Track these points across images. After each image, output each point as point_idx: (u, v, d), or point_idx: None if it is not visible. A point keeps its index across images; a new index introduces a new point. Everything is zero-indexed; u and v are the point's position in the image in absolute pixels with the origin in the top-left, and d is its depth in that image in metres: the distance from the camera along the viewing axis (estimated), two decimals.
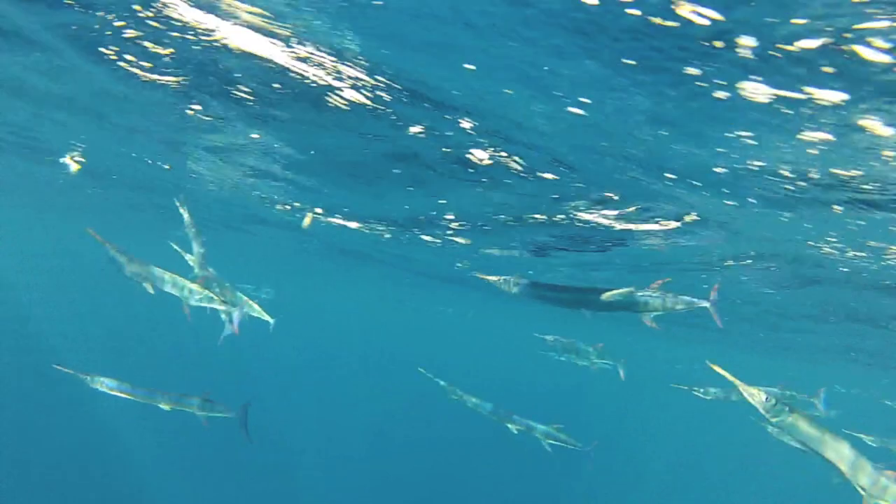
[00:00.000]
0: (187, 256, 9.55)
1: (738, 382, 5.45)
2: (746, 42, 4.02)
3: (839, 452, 5.38)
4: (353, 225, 16.13)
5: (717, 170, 6.85)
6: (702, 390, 12.31)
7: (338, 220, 16.06)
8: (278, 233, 21.78)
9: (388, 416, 47.87)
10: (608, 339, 14.41)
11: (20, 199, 26.88)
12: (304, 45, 6.13)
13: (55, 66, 8.55)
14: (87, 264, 42.43)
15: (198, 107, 9.04)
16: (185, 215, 9.51)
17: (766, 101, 4.80)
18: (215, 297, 8.43)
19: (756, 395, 5.43)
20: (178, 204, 9.66)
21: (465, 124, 7.42)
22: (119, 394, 9.42)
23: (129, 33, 6.75)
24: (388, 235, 16.47)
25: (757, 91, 4.68)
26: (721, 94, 4.89)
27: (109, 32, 6.84)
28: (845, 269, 10.56)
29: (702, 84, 4.78)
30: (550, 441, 12.38)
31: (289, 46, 6.22)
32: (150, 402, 9.62)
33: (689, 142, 6.19)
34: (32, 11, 6.78)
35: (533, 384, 62.34)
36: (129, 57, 7.51)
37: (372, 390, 54.33)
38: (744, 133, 5.58)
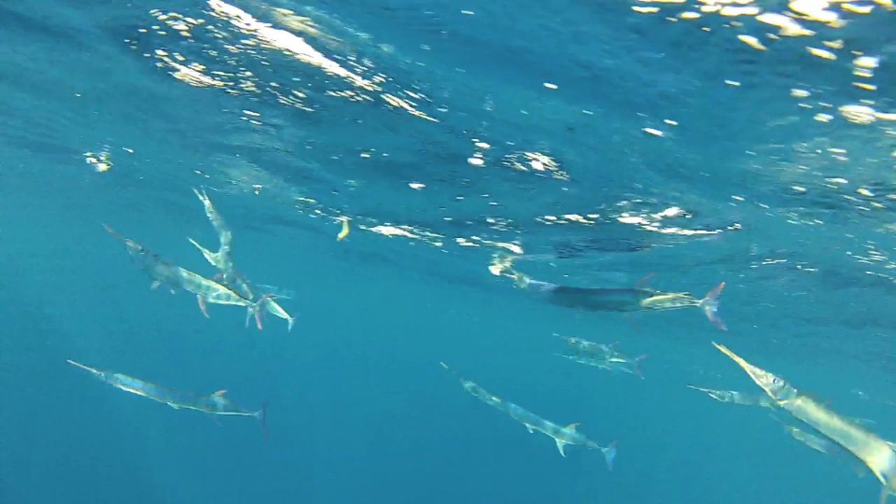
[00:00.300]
0: (206, 254, 9.52)
1: (744, 364, 5.29)
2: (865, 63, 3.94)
3: (851, 437, 5.20)
4: (397, 231, 15.96)
5: (798, 188, 6.72)
6: (717, 393, 11.97)
7: (388, 229, 15.83)
8: (298, 232, 21.86)
9: (405, 417, 47.89)
10: (605, 338, 14.15)
11: (43, 200, 27.33)
12: (368, 63, 6.21)
13: (100, 67, 8.53)
14: (104, 262, 42.94)
15: (253, 112, 9.07)
16: (209, 206, 9.40)
17: (869, 122, 4.70)
18: (233, 294, 8.39)
19: (763, 377, 5.27)
20: (201, 197, 9.58)
21: (537, 155, 7.41)
22: (133, 391, 9.38)
23: (183, 32, 6.75)
24: (438, 243, 16.29)
25: (861, 112, 4.58)
26: (824, 118, 4.80)
27: (164, 33, 6.84)
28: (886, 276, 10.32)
29: (805, 105, 4.69)
30: (567, 441, 12.07)
31: (352, 62, 6.30)
32: (163, 401, 9.51)
33: (779, 161, 6.06)
34: (91, 13, 6.80)
35: (544, 384, 62.03)
36: (179, 57, 7.53)
37: (389, 391, 54.41)
38: (836, 150, 5.44)
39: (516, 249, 14.38)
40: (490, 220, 12.20)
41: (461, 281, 25.21)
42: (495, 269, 17.00)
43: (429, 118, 7.52)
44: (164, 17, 6.44)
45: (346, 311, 60.40)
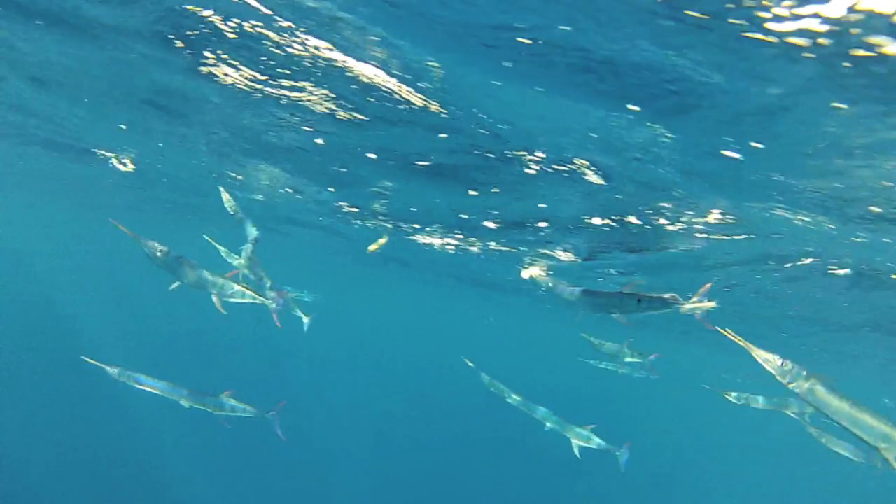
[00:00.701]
0: (223, 251, 9.38)
1: (752, 348, 5.23)
2: None
3: (861, 421, 5.08)
4: (436, 241, 15.86)
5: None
6: (734, 394, 11.75)
7: (429, 238, 15.76)
8: (316, 234, 21.72)
9: (421, 418, 47.80)
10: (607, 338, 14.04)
11: (72, 201, 27.54)
12: (434, 84, 6.35)
13: (133, 65, 8.39)
14: (121, 262, 43.11)
15: (295, 118, 9.04)
16: (231, 204, 9.28)
17: None
18: (249, 292, 8.21)
19: (771, 360, 5.22)
20: (225, 196, 9.47)
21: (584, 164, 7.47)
22: (146, 388, 9.18)
23: (231, 36, 6.72)
24: (475, 248, 16.13)
25: None
26: None
27: (215, 38, 6.82)
28: None
29: None
30: (581, 443, 11.94)
31: (426, 87, 6.31)
32: (175, 399, 9.37)
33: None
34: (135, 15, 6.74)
35: (556, 385, 61.68)
36: (234, 62, 7.48)
37: (406, 392, 54.36)
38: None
39: (562, 255, 14.13)
40: (540, 225, 11.96)
41: (479, 284, 24.97)
42: (527, 273, 16.86)
43: (488, 131, 7.53)
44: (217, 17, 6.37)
45: (361, 313, 60.43)
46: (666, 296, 6.35)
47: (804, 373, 5.15)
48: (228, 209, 9.36)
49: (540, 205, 10.37)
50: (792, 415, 11.61)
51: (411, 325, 65.38)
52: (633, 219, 9.96)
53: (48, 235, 48.35)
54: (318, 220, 18.40)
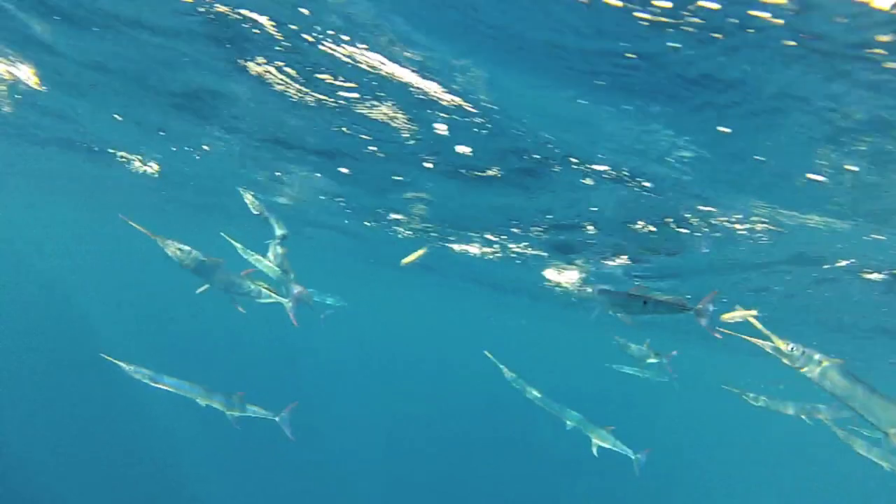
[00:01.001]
0: (240, 249, 9.34)
1: (767, 334, 5.18)
2: None
3: (873, 406, 5.01)
4: (476, 249, 15.91)
5: None
6: (752, 395, 11.86)
7: (470, 247, 15.84)
8: (332, 235, 21.69)
9: (436, 419, 47.70)
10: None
11: (86, 202, 27.90)
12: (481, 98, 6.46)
13: (174, 65, 8.29)
14: (137, 262, 43.45)
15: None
16: (256, 204, 9.27)
17: None
18: (265, 290, 8.12)
19: (783, 346, 5.17)
20: (247, 197, 9.47)
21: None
22: (162, 386, 9.10)
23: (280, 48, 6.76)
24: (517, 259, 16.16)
25: None
26: None
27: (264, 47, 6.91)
28: None
29: None
30: (603, 444, 11.83)
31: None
32: (190, 397, 9.33)
33: None
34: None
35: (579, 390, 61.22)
36: (289, 71, 7.52)
37: (420, 393, 54.28)
38: None
39: (609, 262, 13.93)
40: (589, 229, 11.88)
41: (499, 287, 24.75)
42: (561, 277, 16.78)
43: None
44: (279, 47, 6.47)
45: (374, 313, 60.45)
46: (672, 299, 6.32)
47: (816, 356, 5.08)
48: (252, 210, 9.34)
49: (591, 208, 10.38)
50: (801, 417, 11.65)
51: (425, 327, 65.34)
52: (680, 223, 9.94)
53: (74, 236, 49.12)
54: (343, 224, 18.31)
